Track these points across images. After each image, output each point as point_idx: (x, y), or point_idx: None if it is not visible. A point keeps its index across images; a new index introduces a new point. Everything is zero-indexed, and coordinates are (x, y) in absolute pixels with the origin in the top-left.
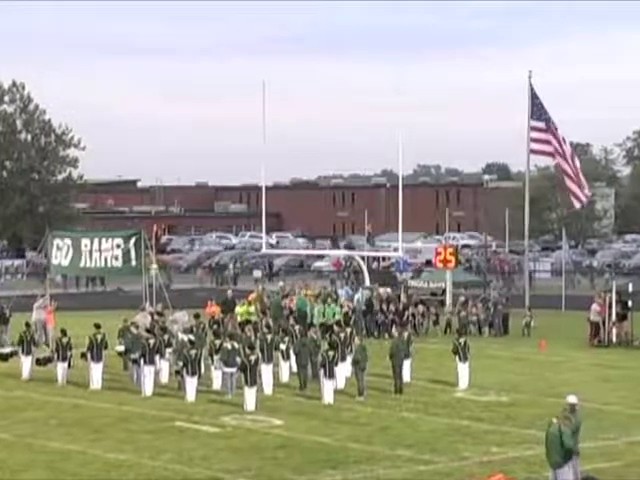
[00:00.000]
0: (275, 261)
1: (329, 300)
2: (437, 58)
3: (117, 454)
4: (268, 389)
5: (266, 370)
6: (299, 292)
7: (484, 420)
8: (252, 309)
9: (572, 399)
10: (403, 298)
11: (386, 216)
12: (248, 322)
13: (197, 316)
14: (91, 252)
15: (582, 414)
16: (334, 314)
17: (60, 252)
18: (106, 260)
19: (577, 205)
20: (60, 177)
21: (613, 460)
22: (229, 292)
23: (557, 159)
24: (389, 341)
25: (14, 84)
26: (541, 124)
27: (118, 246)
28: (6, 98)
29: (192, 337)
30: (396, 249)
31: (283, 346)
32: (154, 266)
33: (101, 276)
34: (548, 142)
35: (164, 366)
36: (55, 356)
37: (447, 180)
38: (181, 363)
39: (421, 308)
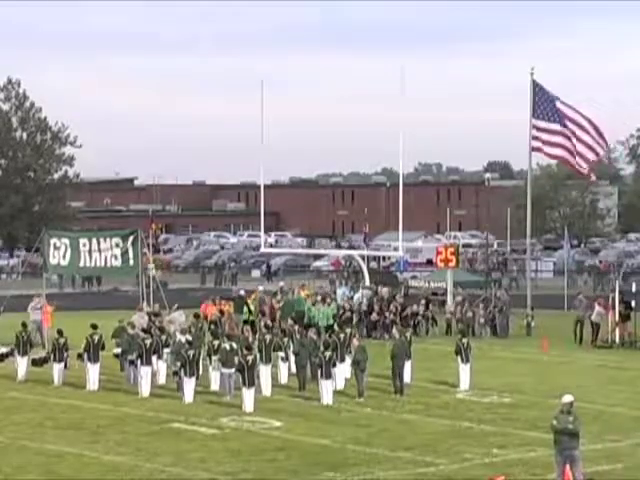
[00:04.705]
0: (273, 260)
1: (328, 300)
2: (438, 55)
3: (114, 456)
4: (267, 390)
5: (265, 371)
6: (297, 292)
7: (486, 422)
8: (251, 309)
9: (567, 398)
10: (398, 298)
11: (386, 215)
12: (246, 322)
13: (196, 316)
14: (90, 252)
15: (578, 415)
16: (333, 316)
17: (58, 252)
18: (105, 260)
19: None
20: (56, 175)
21: (616, 462)
22: (242, 291)
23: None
24: (390, 342)
25: (9, 81)
26: (543, 123)
27: (117, 245)
28: (1, 95)
29: (190, 337)
30: (396, 248)
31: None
32: (151, 265)
33: (100, 276)
34: (550, 142)
35: (161, 367)
36: (51, 357)
37: (448, 179)
38: (179, 364)
39: (422, 308)
